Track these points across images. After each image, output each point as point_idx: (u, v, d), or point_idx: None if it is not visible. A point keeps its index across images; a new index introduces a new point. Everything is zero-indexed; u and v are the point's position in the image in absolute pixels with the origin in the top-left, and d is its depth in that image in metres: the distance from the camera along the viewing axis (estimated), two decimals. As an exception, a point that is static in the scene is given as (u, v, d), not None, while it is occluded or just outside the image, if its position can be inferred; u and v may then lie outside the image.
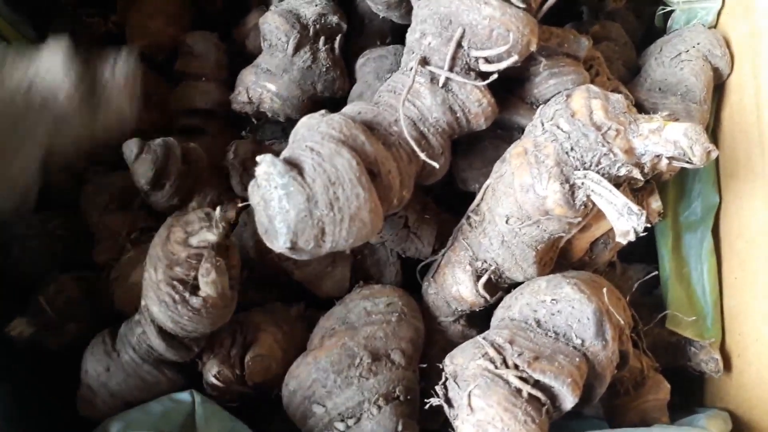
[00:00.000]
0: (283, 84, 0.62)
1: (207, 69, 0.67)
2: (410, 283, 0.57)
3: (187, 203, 0.56)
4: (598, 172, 0.44)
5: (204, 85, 0.66)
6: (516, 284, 0.51)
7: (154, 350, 0.47)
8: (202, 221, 0.42)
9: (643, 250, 0.63)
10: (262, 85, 0.62)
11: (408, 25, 0.52)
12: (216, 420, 0.44)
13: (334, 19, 0.62)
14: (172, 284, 0.43)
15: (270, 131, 0.69)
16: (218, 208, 0.43)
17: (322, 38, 0.62)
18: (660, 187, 0.60)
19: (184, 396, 0.45)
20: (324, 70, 0.62)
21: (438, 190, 0.59)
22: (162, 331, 0.45)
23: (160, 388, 0.47)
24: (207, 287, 0.43)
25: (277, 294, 0.59)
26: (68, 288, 0.55)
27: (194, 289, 0.43)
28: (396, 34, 0.66)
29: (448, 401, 0.44)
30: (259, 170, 0.41)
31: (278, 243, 0.41)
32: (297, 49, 0.61)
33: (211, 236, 0.42)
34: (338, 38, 0.63)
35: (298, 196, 0.39)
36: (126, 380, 0.47)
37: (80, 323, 0.56)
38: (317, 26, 0.62)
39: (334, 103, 0.62)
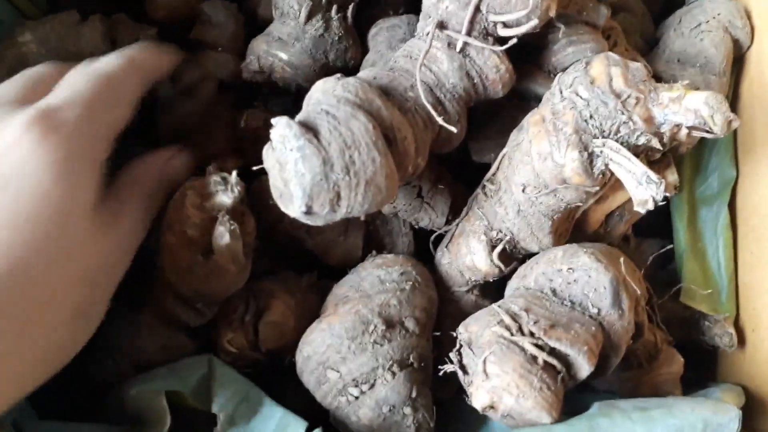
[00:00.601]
0: (295, 53, 0.61)
1: (224, 39, 0.65)
2: (423, 254, 0.57)
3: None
4: (617, 141, 0.44)
5: (220, 56, 0.65)
6: (530, 255, 0.51)
7: (167, 314, 0.47)
8: (217, 185, 0.42)
9: (658, 224, 0.62)
10: (273, 54, 0.61)
11: (421, -5, 0.51)
12: (231, 384, 0.44)
13: (347, -13, 0.61)
14: (186, 247, 0.43)
15: (280, 103, 0.68)
16: (233, 173, 0.43)
17: (335, 7, 0.61)
18: (676, 160, 0.59)
19: (200, 360, 0.45)
20: (336, 39, 0.61)
21: (452, 161, 0.58)
22: (176, 295, 0.45)
23: (172, 352, 0.48)
24: (220, 251, 0.43)
25: (288, 263, 0.59)
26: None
27: (208, 252, 0.43)
28: (409, 3, 0.65)
29: (462, 368, 0.43)
30: (274, 133, 0.40)
31: (293, 207, 0.40)
32: (309, 17, 0.60)
33: (226, 200, 0.42)
34: (351, 7, 0.62)
35: (314, 158, 0.39)
36: (139, 342, 0.47)
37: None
38: (330, -6, 0.61)
39: (346, 72, 0.61)
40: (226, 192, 0.42)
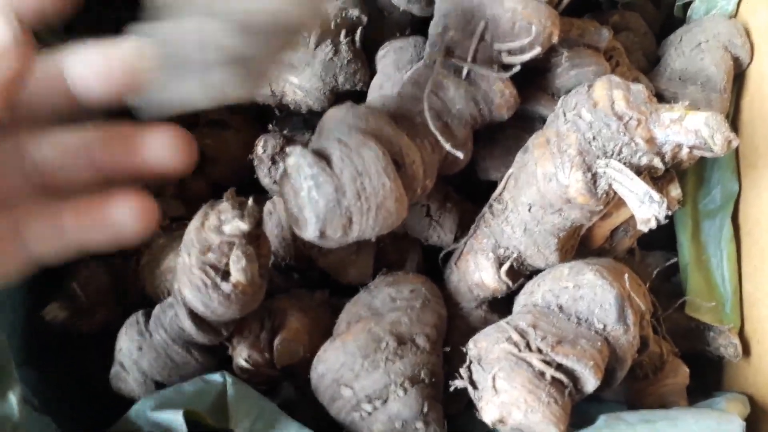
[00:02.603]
0: (305, 77, 0.63)
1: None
2: (432, 271, 0.59)
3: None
4: (619, 161, 0.45)
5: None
6: (537, 271, 0.52)
7: (184, 332, 0.48)
8: (235, 210, 0.44)
9: (662, 237, 0.63)
10: (284, 78, 0.63)
11: (427, 17, 0.53)
12: (247, 400, 0.46)
13: (354, 12, 0.63)
14: (204, 269, 0.44)
15: (291, 123, 0.70)
16: (250, 198, 0.44)
17: (343, 31, 0.63)
18: (679, 175, 0.60)
19: (216, 377, 0.47)
20: (345, 62, 0.63)
21: (459, 180, 0.60)
22: (193, 314, 0.47)
23: (188, 369, 0.49)
24: (237, 274, 0.44)
25: (300, 281, 0.60)
26: (99, 274, 0.57)
27: (225, 275, 0.45)
28: (415, 26, 0.66)
29: (472, 384, 0.45)
30: (289, 161, 0.42)
31: (307, 232, 0.42)
32: (318, 42, 0.62)
33: (243, 225, 0.43)
34: (359, 31, 0.64)
35: (327, 186, 0.41)
36: (156, 360, 0.49)
37: (110, 308, 0.58)
38: (338, 20, 0.62)
39: (355, 94, 0.63)
40: (243, 217, 0.44)
